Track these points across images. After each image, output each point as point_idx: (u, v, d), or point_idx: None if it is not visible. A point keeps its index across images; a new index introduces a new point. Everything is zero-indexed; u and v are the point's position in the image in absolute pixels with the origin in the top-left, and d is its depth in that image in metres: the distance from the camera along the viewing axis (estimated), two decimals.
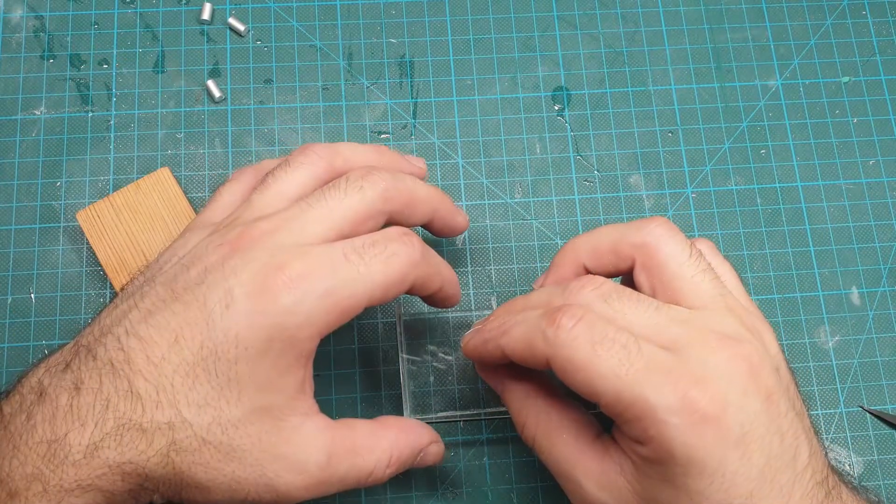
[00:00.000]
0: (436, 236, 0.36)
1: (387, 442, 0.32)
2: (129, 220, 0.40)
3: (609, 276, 0.32)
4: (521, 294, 0.42)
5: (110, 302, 0.31)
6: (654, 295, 0.30)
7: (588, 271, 0.33)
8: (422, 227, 0.35)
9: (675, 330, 0.28)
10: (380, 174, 0.31)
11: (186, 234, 0.32)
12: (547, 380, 0.32)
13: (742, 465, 0.26)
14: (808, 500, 0.27)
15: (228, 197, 0.34)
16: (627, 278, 0.32)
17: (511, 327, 0.30)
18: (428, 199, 0.33)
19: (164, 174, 0.41)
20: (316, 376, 0.31)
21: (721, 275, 0.31)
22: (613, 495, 0.28)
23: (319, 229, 0.30)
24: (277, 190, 0.32)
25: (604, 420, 0.31)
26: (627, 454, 0.28)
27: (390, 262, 0.29)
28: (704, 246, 0.32)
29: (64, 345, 0.30)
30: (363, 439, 0.31)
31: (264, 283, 0.27)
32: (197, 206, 0.42)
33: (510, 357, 0.30)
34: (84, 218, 0.40)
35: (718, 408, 0.26)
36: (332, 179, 0.32)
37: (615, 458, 0.29)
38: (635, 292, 0.30)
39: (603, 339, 0.27)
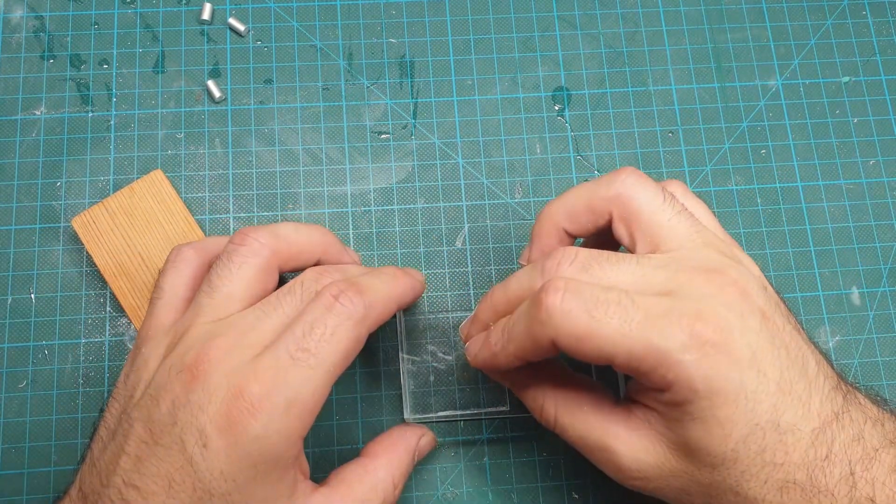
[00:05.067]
0: None
1: (382, 471, 0.33)
2: (125, 224, 0.40)
3: (589, 234, 0.33)
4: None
5: (94, 432, 0.31)
6: (634, 243, 0.31)
7: (569, 234, 0.33)
8: None
9: (660, 276, 0.28)
10: (331, 281, 0.31)
11: (142, 347, 0.32)
12: (553, 360, 0.32)
13: (760, 383, 0.27)
14: (829, 403, 0.28)
15: (170, 291, 0.34)
16: (606, 237, 0.33)
17: (511, 331, 0.30)
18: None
19: (158, 176, 0.41)
20: None
21: (695, 213, 0.32)
22: (647, 451, 0.29)
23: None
24: (226, 294, 0.31)
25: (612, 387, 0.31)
26: (651, 407, 0.29)
27: (337, 336, 0.29)
28: (676, 186, 0.33)
29: (67, 488, 0.31)
30: (360, 485, 0.32)
31: (229, 415, 0.27)
32: (194, 206, 0.42)
33: (524, 360, 0.30)
34: (79, 224, 0.40)
35: (725, 334, 0.26)
36: (278, 266, 0.33)
37: (640, 416, 0.29)
38: (612, 252, 0.30)
39: (596, 303, 0.27)
